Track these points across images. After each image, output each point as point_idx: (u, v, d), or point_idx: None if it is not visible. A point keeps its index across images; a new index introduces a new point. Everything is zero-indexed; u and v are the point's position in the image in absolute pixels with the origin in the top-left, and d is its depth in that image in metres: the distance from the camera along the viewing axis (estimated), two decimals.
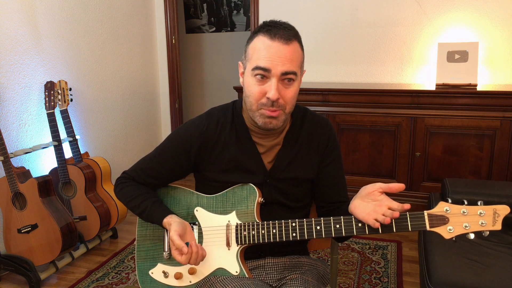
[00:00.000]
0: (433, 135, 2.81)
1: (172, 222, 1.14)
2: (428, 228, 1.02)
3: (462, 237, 1.01)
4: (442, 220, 1.01)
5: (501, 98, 2.63)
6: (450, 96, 2.73)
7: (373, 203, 1.06)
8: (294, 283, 1.16)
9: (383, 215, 1.03)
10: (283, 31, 1.09)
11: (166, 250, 1.23)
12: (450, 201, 1.02)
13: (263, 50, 1.08)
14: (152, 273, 1.24)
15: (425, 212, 1.03)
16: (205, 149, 1.22)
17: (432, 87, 2.91)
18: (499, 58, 3.00)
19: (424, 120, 2.80)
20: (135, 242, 1.29)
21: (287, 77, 1.09)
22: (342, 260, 2.50)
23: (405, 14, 3.17)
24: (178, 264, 1.21)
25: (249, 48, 1.13)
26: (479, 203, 1.01)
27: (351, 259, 2.52)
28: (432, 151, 2.82)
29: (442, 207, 1.02)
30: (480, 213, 0.99)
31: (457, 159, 2.78)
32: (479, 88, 2.78)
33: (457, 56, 2.93)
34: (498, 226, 0.98)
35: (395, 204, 1.03)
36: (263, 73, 1.09)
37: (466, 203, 1.01)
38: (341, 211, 1.22)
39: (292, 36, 1.10)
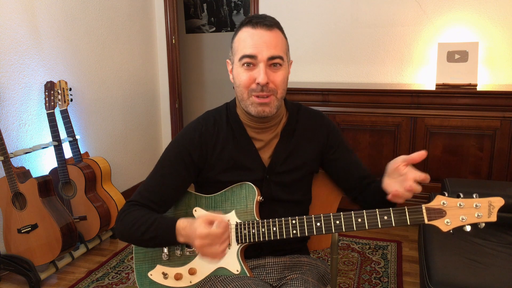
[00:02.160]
0: (433, 135, 2.81)
1: (189, 225, 1.05)
2: (426, 221, 1.03)
3: (459, 230, 1.02)
4: (440, 213, 1.02)
5: (501, 98, 2.62)
6: (450, 96, 2.73)
7: (399, 179, 1.05)
8: (294, 283, 1.16)
9: (409, 190, 1.00)
10: (261, 19, 1.12)
11: (165, 251, 1.23)
12: (446, 194, 1.04)
13: (247, 39, 1.11)
14: (151, 274, 1.23)
15: (423, 206, 1.04)
16: (206, 150, 1.22)
17: (432, 87, 2.90)
18: (499, 58, 3.00)
19: (424, 120, 2.80)
20: (133, 244, 1.28)
21: (273, 62, 1.12)
22: (342, 260, 2.50)
23: (405, 14, 3.17)
24: (178, 264, 1.22)
25: (234, 42, 1.16)
26: (474, 196, 1.02)
27: (351, 259, 2.52)
28: (432, 151, 2.82)
29: (439, 201, 1.03)
30: (476, 206, 1.01)
31: (457, 159, 2.78)
32: (479, 88, 2.77)
33: (457, 56, 2.93)
34: (493, 218, 1.00)
35: (419, 175, 1.00)
36: (250, 61, 1.11)
37: (462, 196, 1.03)
38: (371, 189, 1.24)
39: (273, 24, 1.13)
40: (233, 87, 1.22)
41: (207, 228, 1.00)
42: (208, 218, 1.02)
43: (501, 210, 2.01)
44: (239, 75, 1.14)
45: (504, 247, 1.70)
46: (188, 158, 1.20)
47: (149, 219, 1.12)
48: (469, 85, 2.85)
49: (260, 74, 1.10)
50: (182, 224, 1.08)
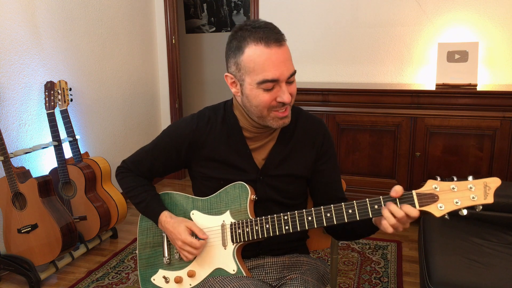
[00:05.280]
0: (433, 135, 2.81)
1: (173, 223, 1.21)
2: (417, 207, 0.98)
3: (455, 214, 0.98)
4: (432, 198, 0.98)
5: (501, 98, 2.62)
6: (450, 96, 2.73)
7: None
8: (293, 283, 1.15)
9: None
10: (271, 34, 1.07)
11: (166, 255, 1.25)
12: (439, 179, 0.99)
13: (265, 61, 1.07)
14: (154, 279, 1.26)
15: (414, 192, 1.00)
16: (194, 147, 1.24)
17: (432, 87, 2.90)
18: (499, 58, 3.00)
19: (424, 120, 2.80)
20: (137, 251, 1.31)
21: (291, 79, 1.12)
22: (342, 260, 2.50)
23: (405, 14, 3.17)
24: (178, 268, 1.23)
25: (244, 60, 1.09)
26: (469, 178, 0.97)
27: (351, 259, 2.52)
28: (432, 151, 2.82)
29: (430, 185, 0.99)
30: (470, 188, 0.95)
31: (457, 159, 2.78)
32: (479, 88, 2.77)
33: (457, 56, 2.93)
34: (490, 199, 0.94)
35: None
36: (272, 84, 1.09)
37: (455, 179, 0.98)
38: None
39: (281, 35, 1.10)
40: (234, 96, 1.21)
41: (190, 237, 1.17)
42: (192, 228, 1.19)
43: (501, 210, 2.01)
44: (258, 97, 1.10)
45: (504, 247, 1.70)
46: (175, 153, 1.27)
47: (141, 195, 1.29)
48: (469, 85, 2.85)
49: (284, 94, 1.09)
50: (164, 218, 1.23)
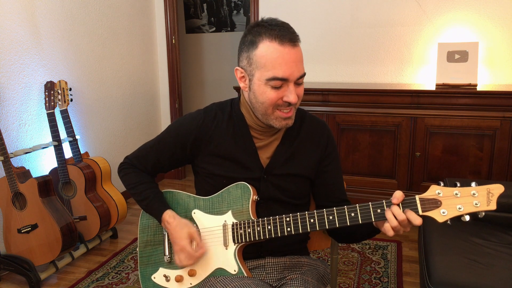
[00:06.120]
0: (433, 135, 2.81)
1: (176, 225, 1.19)
2: (420, 212, 0.99)
3: (458, 220, 0.98)
4: (435, 203, 0.98)
5: (501, 98, 2.63)
6: (450, 96, 2.73)
7: None
8: (294, 283, 1.16)
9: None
10: (287, 33, 1.08)
11: (167, 254, 1.24)
12: (442, 184, 1.00)
13: (277, 59, 1.07)
14: (154, 278, 1.26)
15: (417, 197, 1.00)
16: (200, 142, 1.24)
17: (432, 87, 2.91)
18: (499, 58, 3.00)
19: (424, 120, 2.80)
20: (138, 249, 1.31)
21: (300, 80, 1.12)
22: (342, 260, 2.50)
23: (405, 14, 3.18)
24: (179, 267, 1.22)
25: (256, 55, 1.10)
26: (472, 184, 0.97)
27: (351, 259, 2.52)
28: (432, 151, 2.82)
29: (434, 190, 0.99)
30: (474, 194, 0.96)
31: (457, 159, 2.78)
32: (479, 88, 2.77)
33: (457, 56, 2.93)
34: (492, 206, 0.95)
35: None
36: (281, 83, 1.09)
37: (458, 185, 0.98)
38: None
39: (295, 35, 1.10)
40: (235, 88, 1.22)
41: (189, 245, 1.16)
42: (193, 236, 1.17)
43: (501, 210, 2.01)
44: (265, 94, 1.11)
45: (504, 247, 1.70)
46: (181, 147, 1.27)
47: (145, 192, 1.27)
48: (469, 85, 2.86)
49: (291, 94, 1.10)
50: (167, 218, 1.21)
